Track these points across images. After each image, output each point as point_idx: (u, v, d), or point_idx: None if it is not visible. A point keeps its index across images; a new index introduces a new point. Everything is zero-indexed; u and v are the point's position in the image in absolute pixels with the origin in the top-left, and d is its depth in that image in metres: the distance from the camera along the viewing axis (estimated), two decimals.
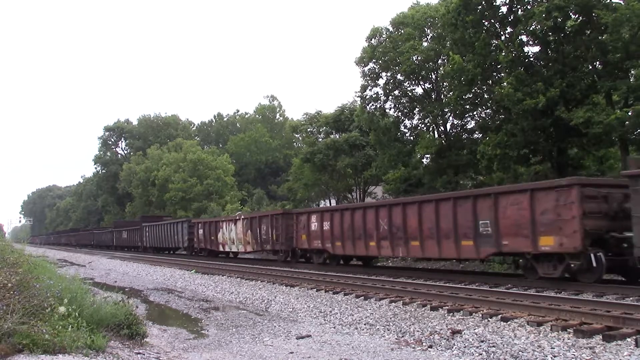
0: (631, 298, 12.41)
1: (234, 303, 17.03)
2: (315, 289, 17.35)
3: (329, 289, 16.98)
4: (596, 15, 20.73)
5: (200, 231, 38.58)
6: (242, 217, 33.18)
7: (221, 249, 35.81)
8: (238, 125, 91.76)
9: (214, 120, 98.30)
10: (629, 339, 8.51)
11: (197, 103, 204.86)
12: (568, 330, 9.37)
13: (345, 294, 15.84)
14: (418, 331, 10.61)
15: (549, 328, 9.67)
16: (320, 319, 13.02)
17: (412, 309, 12.93)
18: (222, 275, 24.03)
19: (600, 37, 21.31)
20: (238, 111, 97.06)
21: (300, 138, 57.97)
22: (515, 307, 11.41)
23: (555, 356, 8.15)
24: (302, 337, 11.00)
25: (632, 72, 21.49)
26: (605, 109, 20.20)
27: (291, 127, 55.56)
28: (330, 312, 13.53)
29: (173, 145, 76.15)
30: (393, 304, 13.83)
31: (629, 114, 20.00)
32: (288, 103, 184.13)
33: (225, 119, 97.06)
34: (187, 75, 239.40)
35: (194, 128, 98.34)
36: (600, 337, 8.77)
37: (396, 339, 10.41)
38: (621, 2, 21.13)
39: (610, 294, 13.13)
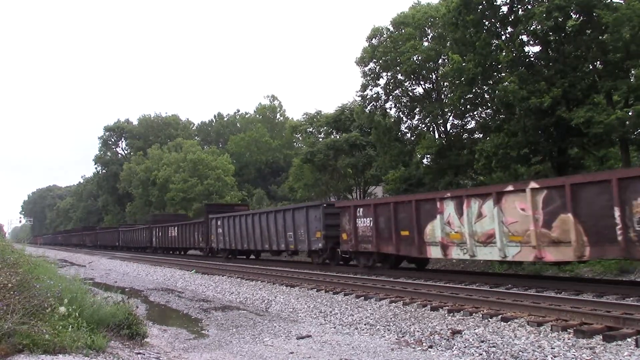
0: (631, 298, 12.40)
1: (234, 303, 17.03)
2: (315, 289, 17.36)
3: (329, 289, 16.99)
4: (597, 15, 20.71)
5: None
6: None
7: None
8: (238, 125, 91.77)
9: (214, 120, 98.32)
10: (629, 339, 8.50)
11: (197, 103, 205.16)
12: (568, 330, 9.36)
13: (345, 294, 15.84)
14: (418, 331, 10.60)
15: (549, 328, 9.67)
16: (321, 319, 13.02)
17: (413, 309, 12.93)
18: (222, 276, 24.04)
19: (600, 37, 21.29)
20: (238, 111, 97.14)
21: (300, 138, 57.94)
22: (516, 307, 11.41)
23: (555, 356, 8.14)
24: (303, 337, 11.00)
25: (633, 71, 21.46)
26: (606, 108, 20.19)
27: (291, 127, 55.53)
28: (331, 312, 13.53)
29: (173, 145, 76.12)
30: (393, 304, 13.83)
31: (630, 113, 19.99)
32: (288, 103, 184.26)
33: (225, 119, 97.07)
34: (187, 75, 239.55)
35: (194, 128, 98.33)
36: (601, 337, 8.77)
37: (396, 339, 10.40)
38: (622, 1, 21.13)
39: (611, 294, 13.12)
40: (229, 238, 33.70)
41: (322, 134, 46.26)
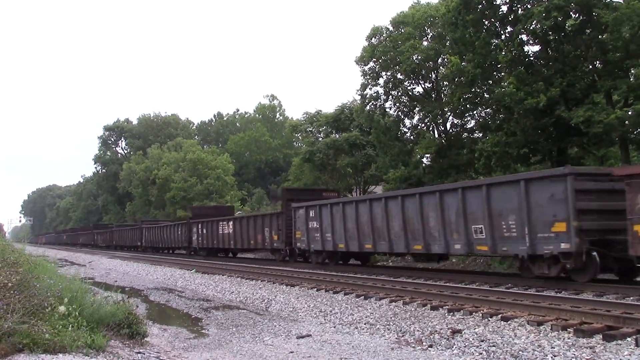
0: (631, 298, 12.39)
1: (235, 302, 17.04)
2: (315, 289, 17.37)
3: (329, 288, 17.00)
4: (596, 14, 20.73)
5: None
6: None
7: None
8: (238, 124, 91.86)
9: (213, 120, 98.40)
10: (629, 339, 8.51)
11: (197, 102, 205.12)
12: (568, 329, 9.37)
13: (345, 294, 15.85)
14: (418, 330, 10.61)
15: (549, 328, 9.67)
16: (321, 319, 13.03)
17: (413, 309, 12.93)
18: (223, 275, 24.04)
19: (600, 37, 21.30)
20: (238, 110, 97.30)
21: (300, 137, 57.97)
22: (516, 307, 11.41)
23: (555, 355, 8.15)
24: (303, 337, 11.01)
25: (632, 71, 21.47)
26: (606, 108, 20.20)
27: (291, 127, 55.53)
28: (331, 311, 13.54)
29: (173, 145, 76.13)
30: (393, 303, 13.83)
31: (629, 113, 20.02)
32: (288, 102, 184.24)
33: (225, 118, 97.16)
34: (187, 75, 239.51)
35: (193, 127, 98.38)
36: (601, 336, 8.77)
37: (396, 338, 10.41)
38: (621, 1, 21.14)
39: (611, 293, 13.10)
40: (331, 235, 23.36)
41: (322, 133, 46.26)
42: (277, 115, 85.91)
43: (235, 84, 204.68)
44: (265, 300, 16.32)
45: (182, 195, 63.69)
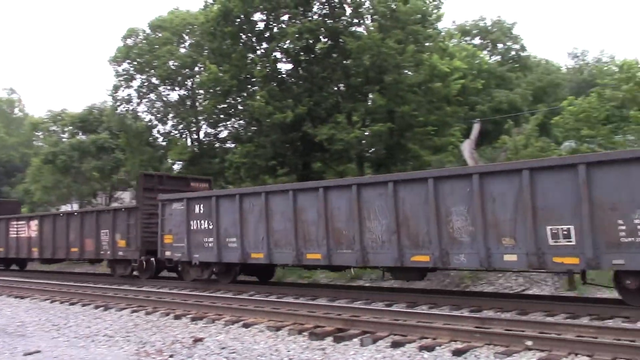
0: (359, 302, 13.51)
1: None
2: (49, 300, 15.96)
3: (64, 299, 15.75)
4: (343, 41, 22.45)
5: None
6: None
7: None
8: None
9: None
10: (355, 339, 9.17)
11: None
12: (304, 333, 9.81)
13: (83, 305, 14.82)
14: (159, 341, 10.28)
15: (287, 332, 10.04)
16: (53, 333, 11.94)
17: (155, 319, 12.53)
18: None
19: (345, 62, 23.09)
20: None
21: (42, 137, 53.33)
22: (257, 314, 11.66)
23: (291, 358, 8.44)
24: (31, 353, 9.96)
25: (371, 95, 23.62)
26: (346, 127, 21.88)
27: (32, 125, 50.91)
28: (65, 324, 12.50)
29: None
30: (135, 313, 13.27)
31: (366, 133, 21.98)
32: (30, 98, 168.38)
33: None
34: None
35: None
36: (332, 338, 9.32)
37: (136, 350, 9.94)
38: (364, 32, 23.22)
39: (343, 298, 14.16)
40: (239, 240, 16.68)
41: (67, 134, 43.14)
42: (16, 110, 78.15)
43: None
44: None
45: None
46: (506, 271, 15.47)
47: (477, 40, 46.42)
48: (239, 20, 24.40)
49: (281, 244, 15.35)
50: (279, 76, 24.77)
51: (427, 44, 24.27)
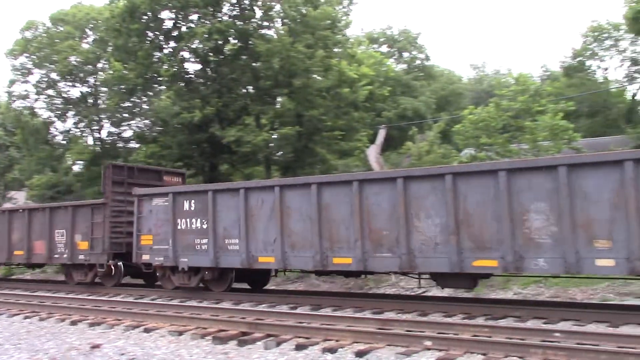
0: (264, 305, 13.49)
1: None
2: None
3: None
4: (252, 43, 22.38)
5: None
6: None
7: None
8: None
9: None
10: (259, 343, 9.14)
11: None
12: (207, 337, 9.67)
13: None
14: (54, 348, 9.82)
15: (190, 337, 9.87)
16: None
17: (50, 325, 11.96)
18: None
19: (254, 64, 23.02)
20: None
21: None
22: (159, 318, 11.38)
23: None
24: None
25: (279, 99, 23.68)
26: (254, 130, 21.81)
27: None
28: None
29: None
30: (28, 320, 12.62)
31: (274, 136, 22.01)
32: None
33: None
34: None
35: None
36: (236, 342, 9.25)
37: (28, 358, 9.46)
38: (274, 35, 23.26)
39: (246, 301, 14.08)
40: (243, 242, 14.31)
41: None
42: None
43: None
44: None
45: None
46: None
47: (384, 48, 47.63)
48: (146, 17, 23.76)
49: (299, 246, 13.22)
50: (187, 76, 24.35)
51: (336, 50, 24.60)
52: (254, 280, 16.40)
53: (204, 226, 14.78)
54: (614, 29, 36.91)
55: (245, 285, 16.55)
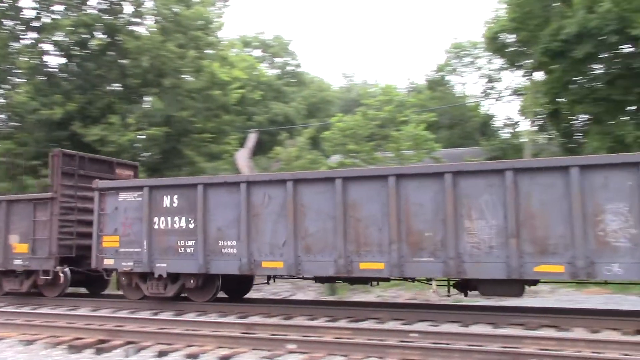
0: (125, 311, 13.04)
1: None
2: None
3: None
4: (121, 39, 21.60)
5: None
6: None
7: None
8: None
9: None
10: (118, 350, 8.85)
11: None
12: (61, 346, 9.23)
13: None
14: None
15: (41, 346, 9.35)
16: None
17: None
18: None
19: (122, 61, 22.22)
20: None
21: None
22: (8, 327, 10.67)
23: None
24: None
25: (148, 98, 23.04)
26: (120, 129, 21.03)
27: None
28: None
29: None
30: None
31: (141, 137, 21.36)
32: None
33: None
34: None
35: None
36: (93, 350, 8.89)
37: None
38: (145, 32, 22.62)
39: (105, 308, 13.56)
40: (243, 243, 12.49)
41: None
42: None
43: None
44: None
45: None
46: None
47: (257, 53, 47.78)
48: (3, 5, 22.15)
49: (316, 249, 11.74)
50: (48, 70, 22.98)
51: (208, 51, 24.39)
52: (233, 289, 14.56)
53: (190, 226, 12.85)
54: (473, 47, 39.53)
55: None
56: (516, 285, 10.77)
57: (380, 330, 9.34)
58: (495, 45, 26.38)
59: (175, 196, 13.10)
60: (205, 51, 24.10)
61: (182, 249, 12.90)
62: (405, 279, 11.70)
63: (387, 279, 11.99)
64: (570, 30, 18.40)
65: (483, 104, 40.57)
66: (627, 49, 19.24)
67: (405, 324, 10.71)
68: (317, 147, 30.29)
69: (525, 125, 33.50)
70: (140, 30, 22.87)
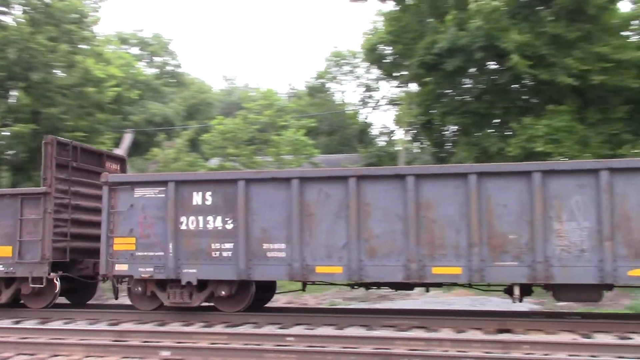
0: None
1: None
2: None
3: None
4: None
5: None
6: None
7: None
8: None
9: None
10: None
11: None
12: None
13: None
14: None
15: None
16: None
17: None
18: None
19: None
20: None
21: None
22: None
23: None
24: None
25: (14, 93, 21.78)
26: None
27: None
28: None
29: None
30: None
31: (6, 134, 20.16)
32: None
33: None
34: None
35: None
36: None
37: None
38: (14, 22, 21.36)
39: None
40: (296, 247, 11.10)
41: None
42: None
43: None
44: None
45: None
46: None
47: (135, 50, 46.31)
48: None
49: (382, 252, 10.65)
50: None
51: (82, 46, 23.39)
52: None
53: (228, 226, 11.36)
54: (352, 57, 40.66)
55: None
56: (596, 291, 10.33)
57: (257, 335, 9.36)
58: (373, 56, 27.28)
59: (209, 193, 11.59)
60: (79, 46, 23.10)
61: (217, 252, 11.42)
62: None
63: (463, 285, 11.47)
64: (442, 45, 19.41)
65: (361, 112, 41.84)
66: (492, 65, 20.61)
67: (282, 328, 10.77)
68: (196, 150, 29.84)
69: (400, 134, 34.97)
70: (7, 20, 21.57)
